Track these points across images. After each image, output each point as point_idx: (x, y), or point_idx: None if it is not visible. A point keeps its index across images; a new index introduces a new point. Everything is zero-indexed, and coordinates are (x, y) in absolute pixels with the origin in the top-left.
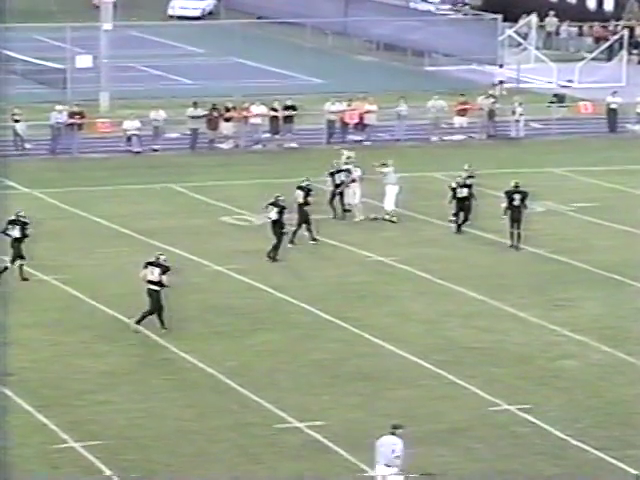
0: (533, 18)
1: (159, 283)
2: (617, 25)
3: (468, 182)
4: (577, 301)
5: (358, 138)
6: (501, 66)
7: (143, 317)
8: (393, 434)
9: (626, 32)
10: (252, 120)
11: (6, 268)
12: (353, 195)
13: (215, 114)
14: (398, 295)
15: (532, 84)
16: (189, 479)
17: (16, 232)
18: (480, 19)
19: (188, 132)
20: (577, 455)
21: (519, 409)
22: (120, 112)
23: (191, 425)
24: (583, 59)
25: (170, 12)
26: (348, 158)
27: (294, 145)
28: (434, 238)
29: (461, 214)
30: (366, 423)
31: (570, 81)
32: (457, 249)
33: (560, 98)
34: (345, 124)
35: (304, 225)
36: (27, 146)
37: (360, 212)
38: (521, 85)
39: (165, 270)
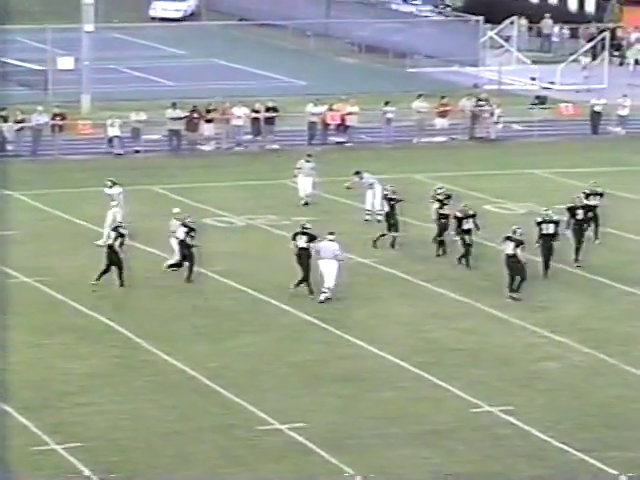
0: (515, 20)
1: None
2: (598, 26)
3: (592, 202)
4: (559, 303)
5: (339, 140)
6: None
7: (516, 285)
8: None
9: (607, 34)
10: (233, 122)
11: (383, 234)
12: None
13: (196, 115)
14: (380, 297)
15: (513, 85)
16: None
17: (385, 207)
18: (462, 21)
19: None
20: (559, 457)
21: (501, 411)
22: (102, 114)
23: (173, 427)
24: (565, 61)
25: (152, 14)
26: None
27: (275, 147)
28: (415, 240)
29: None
30: (348, 425)
31: (552, 83)
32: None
33: (542, 100)
34: (326, 125)
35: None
36: (8, 147)
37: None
38: (502, 87)
39: (519, 244)
